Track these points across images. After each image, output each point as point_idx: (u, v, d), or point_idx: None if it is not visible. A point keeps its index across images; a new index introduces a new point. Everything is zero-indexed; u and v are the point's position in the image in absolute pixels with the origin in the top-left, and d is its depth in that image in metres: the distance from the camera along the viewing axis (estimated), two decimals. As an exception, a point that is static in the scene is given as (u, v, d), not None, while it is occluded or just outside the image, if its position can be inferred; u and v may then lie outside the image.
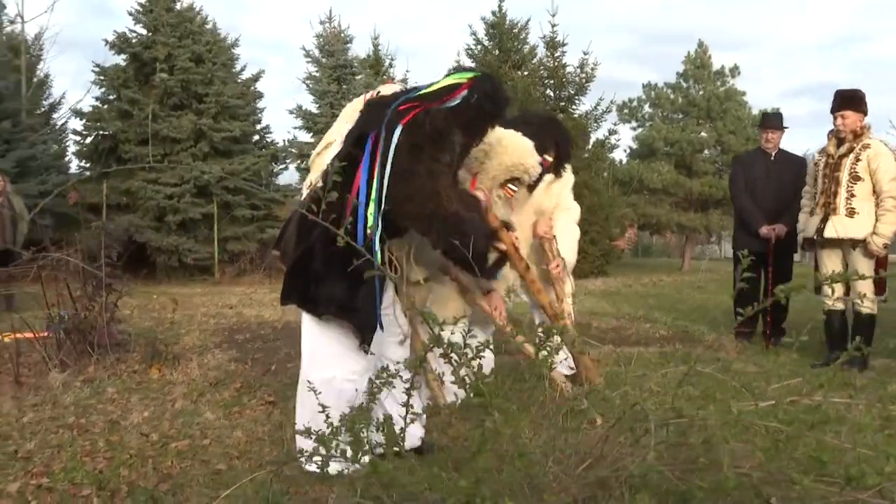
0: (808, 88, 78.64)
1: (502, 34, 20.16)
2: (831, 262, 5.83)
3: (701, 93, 22.17)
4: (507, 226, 3.90)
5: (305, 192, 4.40)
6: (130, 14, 17.21)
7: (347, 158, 3.35)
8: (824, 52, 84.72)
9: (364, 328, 3.35)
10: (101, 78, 17.03)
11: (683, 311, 9.28)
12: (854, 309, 5.80)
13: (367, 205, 3.26)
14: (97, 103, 17.29)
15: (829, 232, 5.70)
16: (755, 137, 19.59)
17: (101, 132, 17.01)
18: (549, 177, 4.85)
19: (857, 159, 5.67)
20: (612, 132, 19.05)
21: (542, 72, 18.62)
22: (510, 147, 3.98)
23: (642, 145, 22.92)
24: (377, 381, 2.65)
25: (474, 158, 3.88)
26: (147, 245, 16.03)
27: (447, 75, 3.58)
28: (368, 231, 3.23)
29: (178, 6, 17.66)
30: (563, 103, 18.39)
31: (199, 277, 16.70)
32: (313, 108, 18.11)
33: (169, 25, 16.80)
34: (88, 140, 17.15)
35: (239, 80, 19.43)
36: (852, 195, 5.65)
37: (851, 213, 5.64)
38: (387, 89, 4.42)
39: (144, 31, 17.22)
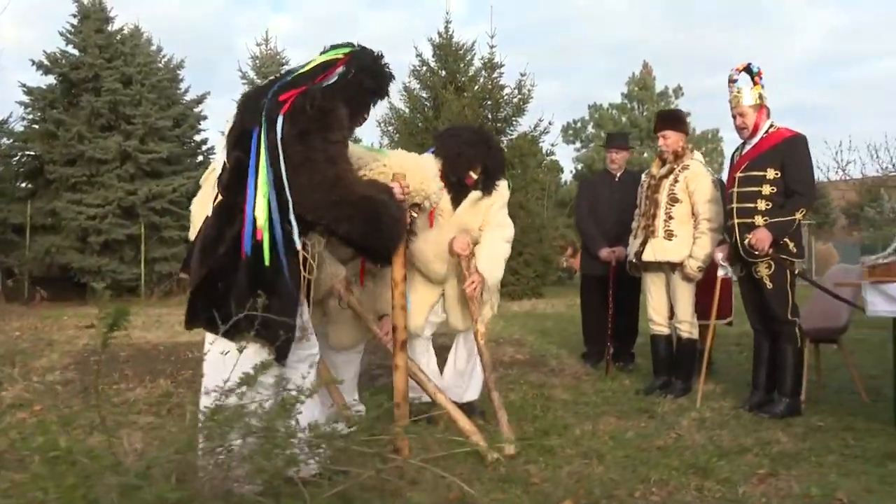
0: (791, 109, 78.87)
1: (448, 55, 20.14)
2: (654, 286, 5.74)
3: (645, 114, 22.23)
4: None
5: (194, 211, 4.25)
6: (61, 34, 17.16)
7: (237, 163, 3.16)
8: (806, 73, 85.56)
9: (278, 345, 3.06)
10: (30, 98, 16.92)
11: (567, 334, 9.15)
12: (676, 334, 5.71)
13: (253, 207, 3.07)
14: (27, 123, 17.20)
15: (648, 255, 5.60)
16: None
17: (27, 153, 16.92)
18: (475, 194, 4.65)
19: (676, 180, 5.59)
20: (549, 153, 19.00)
21: (481, 93, 18.61)
22: (409, 172, 3.72)
23: (585, 166, 22.94)
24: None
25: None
26: (69, 266, 15.92)
27: (322, 52, 3.39)
28: (258, 231, 3.05)
29: (109, 27, 17.61)
30: (500, 124, 18.36)
31: (126, 298, 16.54)
32: (247, 129, 17.90)
33: (98, 46, 16.72)
34: (14, 161, 17.03)
35: (183, 102, 19.47)
36: (670, 217, 5.56)
37: (669, 235, 5.55)
38: None
39: (76, 52, 17.15)
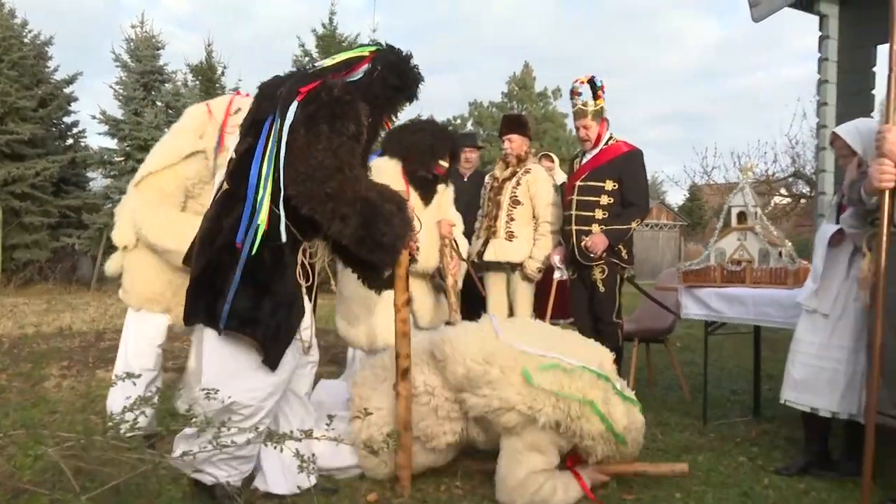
0: (675, 116, 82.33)
1: (330, 47, 19.94)
2: (495, 286, 5.87)
3: (524, 113, 22.71)
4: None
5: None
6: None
7: (246, 152, 3.00)
8: (690, 82, 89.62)
9: (268, 343, 2.91)
10: None
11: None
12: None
13: (254, 198, 2.89)
14: None
15: (489, 255, 5.73)
16: (568, 157, 20.11)
17: None
18: (442, 186, 4.83)
19: (518, 183, 5.75)
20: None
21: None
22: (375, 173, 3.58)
23: (465, 162, 23.25)
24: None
25: None
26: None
27: (347, 50, 3.29)
28: (259, 225, 2.86)
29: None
30: (379, 118, 18.33)
31: (-19, 286, 15.75)
32: (118, 114, 17.36)
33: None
34: None
35: (51, 81, 18.66)
36: (512, 219, 5.72)
37: (510, 236, 5.70)
38: (217, 103, 4.07)
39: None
